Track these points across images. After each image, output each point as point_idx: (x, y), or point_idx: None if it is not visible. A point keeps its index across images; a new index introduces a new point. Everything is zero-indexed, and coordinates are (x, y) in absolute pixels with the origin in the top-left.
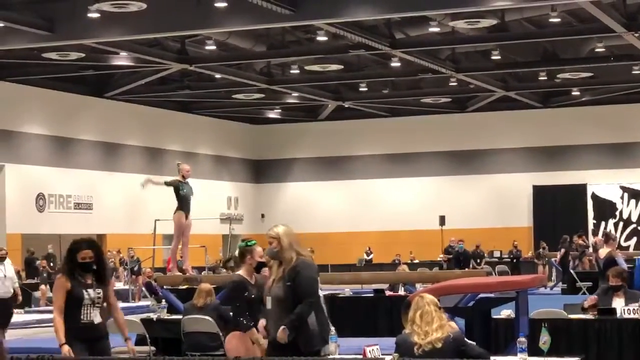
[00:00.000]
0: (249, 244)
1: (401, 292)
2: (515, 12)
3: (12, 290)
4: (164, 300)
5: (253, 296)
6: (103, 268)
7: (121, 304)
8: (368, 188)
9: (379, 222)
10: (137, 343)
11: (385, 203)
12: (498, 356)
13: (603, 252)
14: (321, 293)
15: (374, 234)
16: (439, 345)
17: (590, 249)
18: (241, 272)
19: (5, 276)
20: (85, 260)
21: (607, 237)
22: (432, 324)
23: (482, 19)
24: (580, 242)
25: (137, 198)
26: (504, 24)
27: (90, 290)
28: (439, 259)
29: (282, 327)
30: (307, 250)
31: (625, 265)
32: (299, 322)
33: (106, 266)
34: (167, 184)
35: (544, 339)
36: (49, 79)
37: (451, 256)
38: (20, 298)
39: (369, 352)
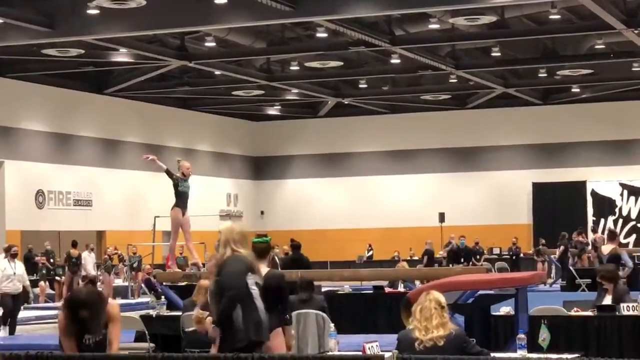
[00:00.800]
0: (267, 239)
1: (401, 288)
2: (515, 8)
3: (21, 288)
4: (163, 297)
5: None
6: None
7: (120, 301)
8: (368, 185)
9: (378, 219)
10: (136, 340)
11: (385, 200)
12: (498, 353)
13: (606, 248)
14: (254, 288)
15: (373, 230)
16: (441, 342)
17: (590, 246)
18: (266, 266)
19: (15, 273)
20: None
21: (611, 235)
22: (431, 321)
23: (482, 16)
24: (580, 239)
25: (137, 195)
26: (503, 21)
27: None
28: (438, 255)
29: (213, 325)
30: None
31: (630, 262)
32: (222, 317)
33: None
34: (168, 173)
35: (544, 336)
36: (48, 76)
37: (448, 248)
38: (31, 295)
39: (369, 348)
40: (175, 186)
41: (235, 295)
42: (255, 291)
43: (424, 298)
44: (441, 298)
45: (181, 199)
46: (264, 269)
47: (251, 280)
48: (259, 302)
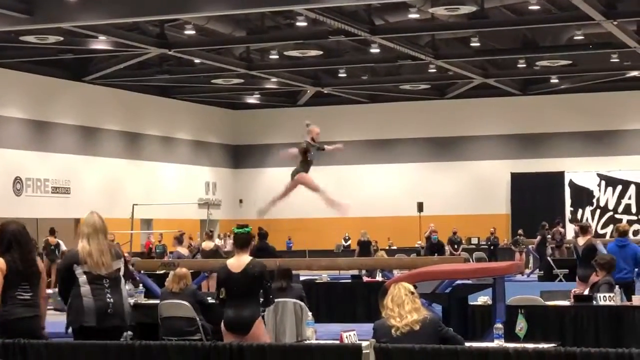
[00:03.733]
0: (248, 229)
1: (378, 277)
2: None
3: None
4: (141, 285)
5: None
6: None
7: None
8: (347, 174)
9: (357, 208)
10: None
11: (363, 189)
12: (475, 342)
13: (582, 240)
14: (82, 279)
15: (352, 220)
16: (417, 327)
17: (569, 237)
18: (249, 256)
19: None
20: None
21: (583, 229)
22: (404, 307)
23: (462, 6)
24: (560, 229)
25: (115, 182)
26: (483, 11)
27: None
28: (417, 245)
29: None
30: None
31: (605, 252)
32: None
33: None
34: (302, 150)
35: (521, 326)
36: (27, 62)
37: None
38: None
39: (346, 337)
40: (305, 152)
41: (60, 286)
42: (82, 279)
43: (393, 288)
44: (410, 286)
45: (308, 165)
46: (245, 258)
47: (79, 270)
48: (84, 289)
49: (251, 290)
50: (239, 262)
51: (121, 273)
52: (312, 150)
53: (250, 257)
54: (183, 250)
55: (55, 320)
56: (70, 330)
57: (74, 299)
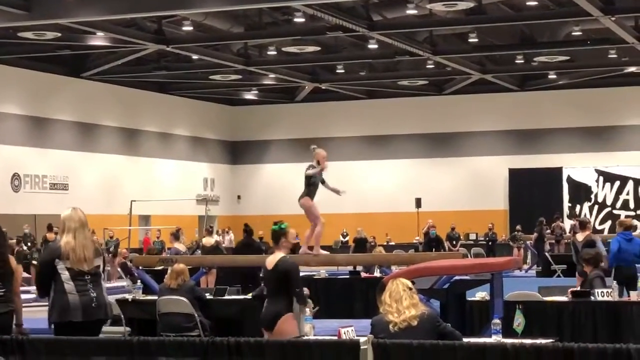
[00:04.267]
0: (282, 226)
1: (377, 273)
2: None
3: None
4: (139, 281)
5: None
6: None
7: None
8: (345, 170)
9: (355, 204)
10: (112, 324)
11: (361, 185)
12: (473, 338)
13: (581, 236)
14: (65, 276)
15: (350, 216)
16: (415, 322)
17: (567, 232)
18: (282, 253)
19: None
20: None
21: (583, 223)
22: (401, 302)
23: (460, 2)
24: (561, 224)
25: (114, 179)
26: (481, 7)
27: None
28: (415, 240)
29: None
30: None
31: (603, 249)
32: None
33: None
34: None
35: (518, 321)
36: (25, 59)
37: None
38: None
39: (344, 333)
40: (309, 177)
41: (40, 280)
42: (65, 275)
43: (391, 284)
44: (408, 282)
45: (314, 188)
46: (278, 255)
47: (61, 266)
48: (69, 286)
49: (278, 287)
50: (273, 258)
51: (101, 269)
52: (315, 177)
53: (282, 254)
54: (180, 246)
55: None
56: (52, 325)
57: (58, 295)
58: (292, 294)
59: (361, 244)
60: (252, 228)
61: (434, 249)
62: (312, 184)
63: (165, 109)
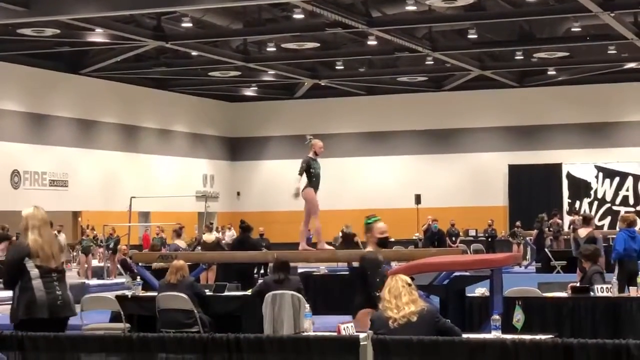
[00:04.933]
0: (368, 221)
1: None
2: None
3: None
4: (139, 278)
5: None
6: None
7: (96, 281)
8: (344, 166)
9: (355, 200)
10: (112, 320)
11: (361, 181)
12: (472, 334)
13: (583, 232)
14: (34, 273)
15: (349, 212)
16: (414, 318)
17: (566, 229)
18: (370, 247)
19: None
20: None
21: (587, 219)
22: (401, 298)
23: None
24: (557, 220)
25: (113, 175)
26: (480, 3)
27: None
28: (414, 237)
29: None
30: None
31: (602, 247)
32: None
33: None
34: (301, 172)
35: (518, 317)
36: (24, 55)
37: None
38: None
39: (344, 329)
40: (308, 169)
41: (9, 278)
42: (34, 272)
43: (391, 280)
44: (407, 278)
45: (316, 179)
46: (367, 249)
47: (30, 264)
48: (37, 282)
49: (358, 280)
50: (361, 252)
51: (65, 266)
52: (313, 167)
53: (369, 249)
54: (181, 243)
55: None
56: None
57: (24, 292)
58: (368, 287)
59: (348, 240)
60: (248, 224)
61: (436, 243)
62: (314, 175)
63: (164, 106)
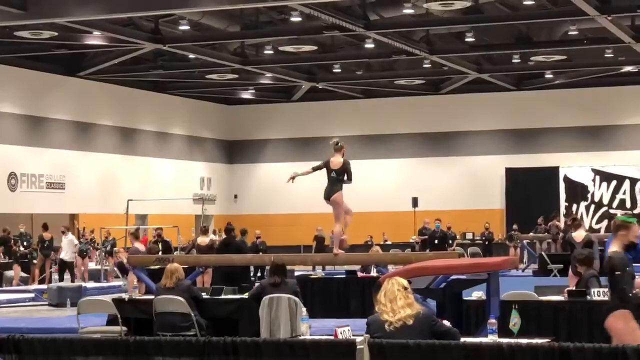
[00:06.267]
0: (630, 220)
1: (373, 273)
2: None
3: None
4: (136, 280)
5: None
6: None
7: (93, 284)
8: None
9: (352, 203)
10: (109, 323)
11: (358, 184)
12: (469, 337)
13: (579, 235)
14: None
15: None
16: (410, 322)
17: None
18: (616, 247)
19: None
20: None
21: (574, 221)
22: (396, 302)
23: (456, 1)
24: (556, 222)
25: (110, 178)
26: (478, 6)
27: None
28: (411, 240)
29: None
30: None
31: (597, 252)
32: None
33: None
34: (315, 168)
35: (514, 321)
36: (21, 58)
37: (425, 237)
38: None
39: (340, 333)
40: (348, 172)
41: None
42: None
43: (387, 283)
44: (404, 282)
45: (332, 183)
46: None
47: None
48: None
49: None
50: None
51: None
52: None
53: (615, 249)
54: (140, 246)
55: (49, 316)
56: None
57: None
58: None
59: (320, 243)
60: (233, 227)
61: (436, 241)
62: (332, 176)
63: (162, 108)
